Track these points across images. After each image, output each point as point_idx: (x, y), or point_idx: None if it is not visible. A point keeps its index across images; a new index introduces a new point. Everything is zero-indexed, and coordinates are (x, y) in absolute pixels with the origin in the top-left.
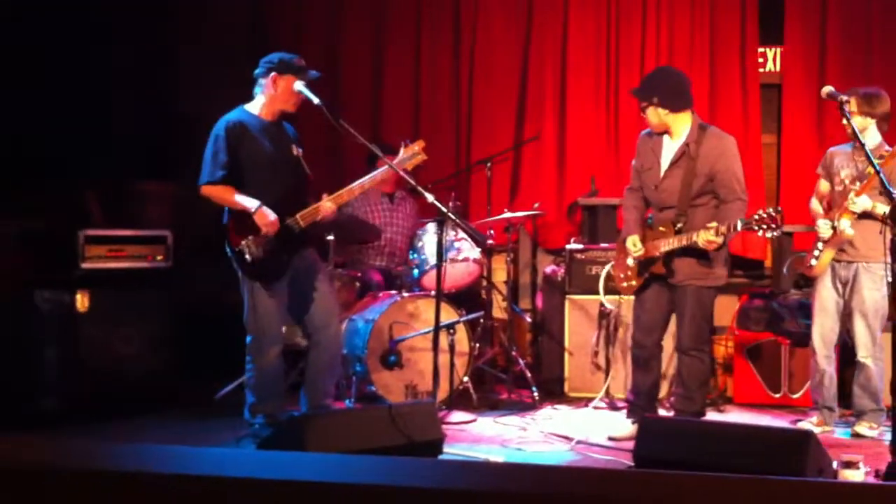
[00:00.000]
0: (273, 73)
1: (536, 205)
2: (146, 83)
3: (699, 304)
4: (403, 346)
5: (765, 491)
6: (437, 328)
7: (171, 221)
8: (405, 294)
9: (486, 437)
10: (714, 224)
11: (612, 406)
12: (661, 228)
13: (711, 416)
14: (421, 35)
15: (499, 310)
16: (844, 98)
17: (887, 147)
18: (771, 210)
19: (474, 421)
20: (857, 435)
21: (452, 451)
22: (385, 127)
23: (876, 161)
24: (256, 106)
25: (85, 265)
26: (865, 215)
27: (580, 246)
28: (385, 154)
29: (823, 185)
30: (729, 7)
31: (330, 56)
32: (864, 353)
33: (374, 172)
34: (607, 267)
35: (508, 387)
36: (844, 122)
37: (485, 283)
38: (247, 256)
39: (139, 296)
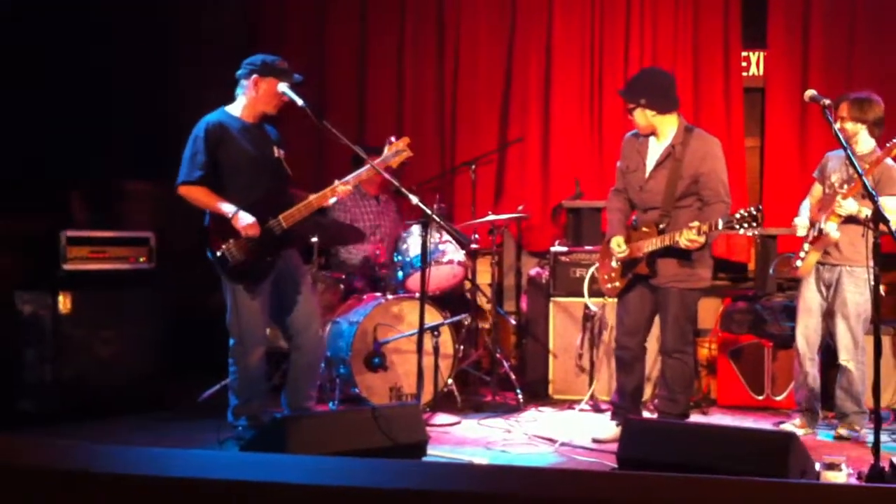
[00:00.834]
0: (255, 75)
1: (521, 207)
2: (129, 83)
3: (682, 306)
4: (388, 348)
5: (748, 492)
6: (422, 330)
7: (155, 223)
8: (389, 296)
9: (470, 439)
10: (696, 223)
11: (597, 408)
12: (644, 229)
13: (695, 418)
14: (404, 37)
15: (483, 312)
16: (827, 102)
17: (879, 153)
18: (752, 209)
19: (458, 423)
20: (839, 437)
21: (436, 452)
22: (369, 129)
23: (866, 166)
24: (238, 107)
25: (67, 266)
26: (851, 219)
27: (564, 248)
28: (369, 155)
29: (817, 190)
30: (712, 11)
31: (314, 59)
32: (846, 356)
33: (359, 171)
34: (592, 269)
35: (493, 389)
36: (836, 124)
37: (469, 285)
38: (228, 260)
39: (122, 298)
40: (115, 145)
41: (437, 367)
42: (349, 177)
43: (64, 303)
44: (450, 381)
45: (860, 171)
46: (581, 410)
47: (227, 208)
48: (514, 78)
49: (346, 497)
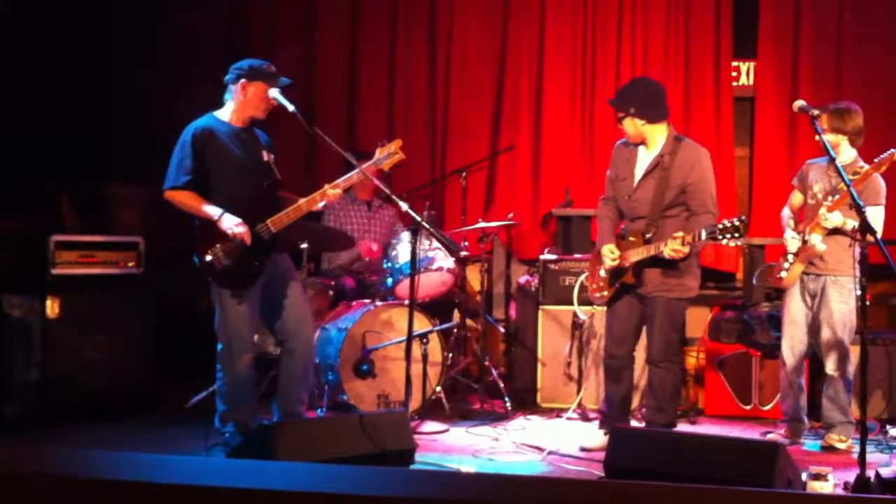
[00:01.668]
0: (243, 80)
1: (511, 215)
2: (118, 87)
3: (669, 315)
4: (376, 355)
5: (734, 502)
6: (411, 337)
7: (144, 227)
8: (379, 303)
9: (458, 447)
10: (680, 234)
11: (585, 417)
12: (631, 238)
13: (683, 427)
14: (396, 42)
15: (472, 320)
16: (816, 112)
17: (861, 163)
18: (735, 219)
19: (446, 431)
20: (826, 447)
21: (424, 460)
22: (360, 134)
23: (849, 177)
24: (226, 112)
25: (55, 271)
26: (836, 230)
27: (554, 256)
28: (360, 160)
29: (797, 198)
30: (703, 21)
31: (304, 63)
32: (832, 366)
33: (349, 174)
34: (581, 277)
35: (481, 397)
36: (817, 136)
37: (459, 292)
38: (216, 265)
39: (110, 302)
40: (103, 149)
41: (425, 374)
42: (339, 180)
43: (52, 307)
44: (438, 388)
45: (847, 181)
46: (569, 419)
47: (213, 211)
48: (505, 86)
49: None
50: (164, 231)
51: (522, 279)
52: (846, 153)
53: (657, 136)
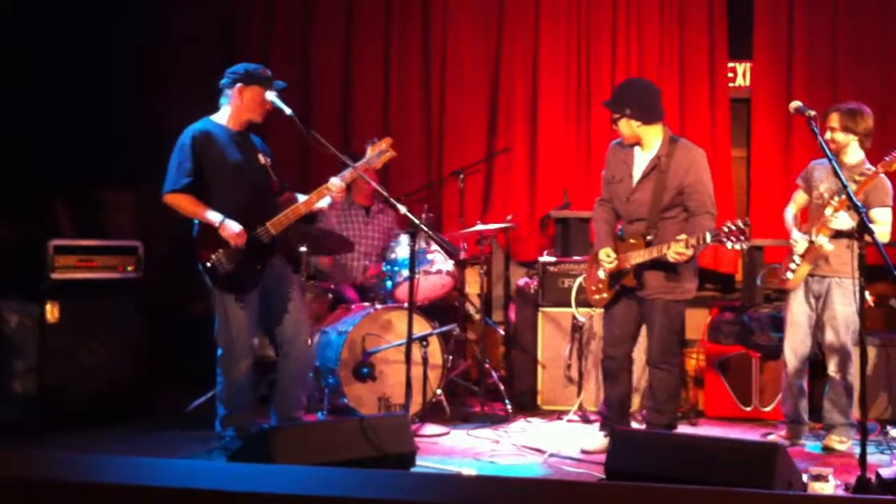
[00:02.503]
0: (239, 84)
1: (509, 217)
2: (114, 92)
3: (668, 317)
4: (376, 358)
5: (734, 503)
6: (410, 340)
7: (142, 232)
8: (378, 306)
9: (458, 450)
10: (684, 236)
11: (585, 419)
12: (631, 241)
13: (683, 428)
14: (391, 46)
15: (472, 322)
16: (812, 113)
17: (868, 165)
18: (739, 222)
19: (447, 434)
20: (827, 448)
21: (425, 463)
22: (356, 138)
23: (857, 178)
24: (223, 116)
25: (54, 276)
26: (843, 233)
27: (553, 259)
28: (354, 162)
29: (801, 197)
30: (698, 22)
31: (300, 67)
32: (834, 368)
33: (343, 172)
34: (579, 279)
35: (481, 400)
36: (827, 136)
37: (458, 295)
38: (218, 270)
39: (109, 307)
40: (101, 153)
41: (425, 377)
42: (342, 173)
43: (51, 312)
44: (438, 391)
45: (844, 181)
46: (569, 421)
47: (214, 217)
48: (501, 88)
49: None
50: (162, 236)
51: (521, 282)
52: (855, 154)
53: (653, 137)
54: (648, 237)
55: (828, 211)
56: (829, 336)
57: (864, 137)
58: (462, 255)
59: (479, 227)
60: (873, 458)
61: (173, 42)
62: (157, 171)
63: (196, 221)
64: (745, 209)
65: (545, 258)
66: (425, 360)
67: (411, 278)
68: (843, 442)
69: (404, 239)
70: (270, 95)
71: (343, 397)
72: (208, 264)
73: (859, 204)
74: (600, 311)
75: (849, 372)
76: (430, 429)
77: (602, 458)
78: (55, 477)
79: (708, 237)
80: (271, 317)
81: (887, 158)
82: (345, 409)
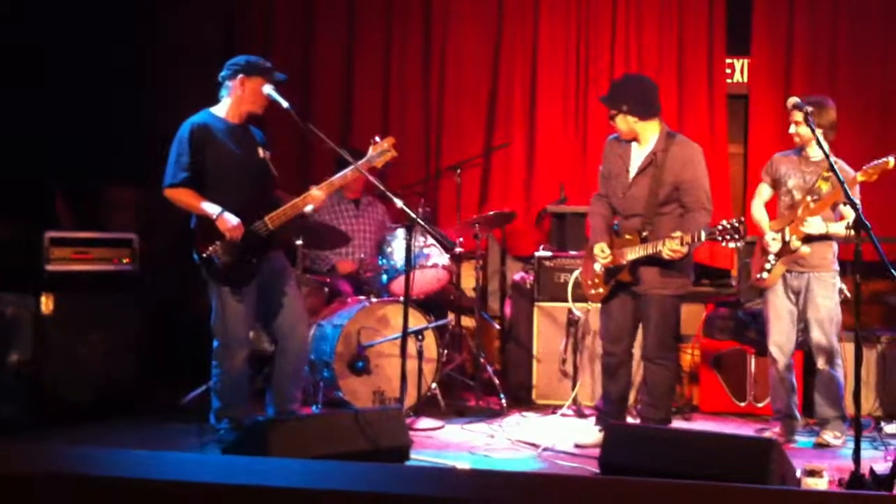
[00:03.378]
0: (240, 75)
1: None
2: (112, 87)
3: (663, 312)
4: (371, 351)
5: (728, 498)
6: (406, 334)
7: (138, 224)
8: (374, 300)
9: (453, 444)
10: (679, 233)
11: (580, 413)
12: (627, 236)
13: (677, 424)
14: (391, 41)
15: (467, 316)
16: (810, 109)
17: (834, 158)
18: (734, 221)
19: (442, 427)
20: (821, 444)
21: (419, 457)
22: (355, 132)
23: (825, 174)
24: (222, 108)
25: (50, 268)
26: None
27: (549, 253)
28: (354, 159)
29: (767, 190)
30: (697, 18)
31: (300, 62)
32: (822, 362)
33: (345, 171)
34: (575, 273)
35: (476, 393)
36: (819, 133)
37: (454, 289)
38: (215, 262)
39: (105, 299)
40: (99, 150)
41: (420, 371)
42: (334, 178)
43: (46, 304)
44: (433, 385)
45: (842, 180)
46: (564, 415)
47: (212, 209)
48: (499, 83)
49: (329, 501)
50: (159, 228)
51: (517, 276)
52: (819, 147)
53: (649, 132)
54: (644, 233)
55: (800, 212)
56: (815, 332)
57: (828, 130)
58: (458, 249)
59: (476, 216)
60: (867, 453)
61: (174, 40)
62: (157, 167)
63: (194, 214)
64: (742, 205)
65: (541, 253)
66: (420, 354)
67: (407, 272)
68: (838, 437)
69: (400, 233)
70: (268, 89)
71: (338, 391)
72: (205, 256)
73: (854, 200)
74: (596, 305)
75: (837, 364)
76: (424, 422)
77: (596, 452)
78: (51, 470)
79: (703, 235)
80: (269, 310)
81: (868, 168)
82: (340, 403)
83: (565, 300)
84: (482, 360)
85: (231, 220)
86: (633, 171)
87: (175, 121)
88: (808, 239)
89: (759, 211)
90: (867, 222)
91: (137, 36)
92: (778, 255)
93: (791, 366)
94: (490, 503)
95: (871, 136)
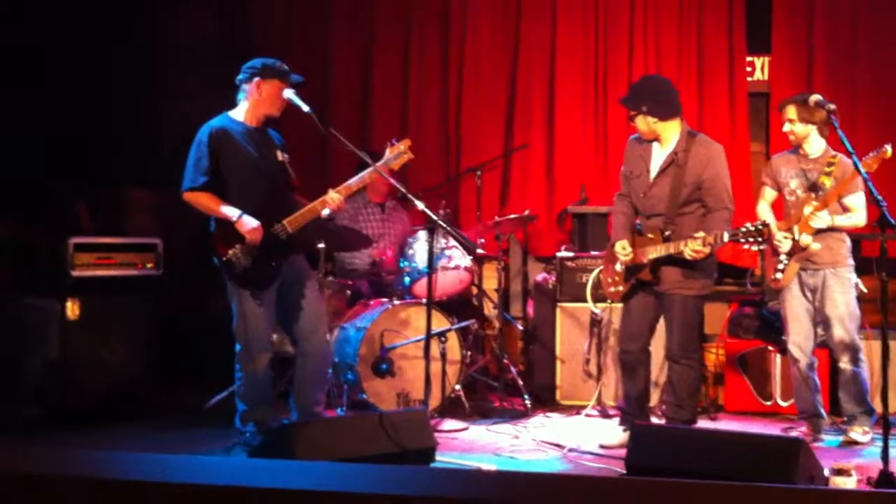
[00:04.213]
0: (257, 79)
1: (527, 211)
2: (136, 88)
3: (686, 312)
4: (395, 353)
5: (756, 499)
6: (429, 336)
7: (161, 229)
8: (396, 302)
9: (478, 445)
10: (701, 234)
11: (604, 414)
12: (649, 235)
13: (703, 423)
14: (410, 43)
15: (490, 318)
16: (832, 107)
17: (832, 152)
18: (758, 224)
19: (466, 429)
20: (849, 441)
21: (444, 459)
22: (374, 135)
23: (827, 169)
24: (241, 112)
25: (74, 273)
26: (827, 228)
27: (570, 254)
28: (372, 161)
29: (770, 193)
30: (717, 16)
31: (319, 65)
32: (845, 358)
33: (361, 174)
34: (595, 272)
35: (500, 395)
36: (785, 128)
37: (476, 290)
38: (234, 265)
39: (129, 304)
40: (120, 153)
41: (444, 372)
42: (351, 181)
43: (72, 309)
44: (457, 386)
45: (865, 175)
46: (588, 416)
47: (232, 212)
48: (518, 84)
49: (354, 503)
50: (181, 233)
51: (539, 277)
52: (816, 144)
53: (670, 132)
54: (666, 232)
55: (807, 210)
56: (836, 328)
57: (822, 126)
58: (480, 251)
59: (498, 219)
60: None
61: (195, 43)
62: (176, 170)
63: (213, 217)
64: None
65: (563, 253)
66: (444, 356)
67: (429, 274)
68: (866, 433)
69: (422, 235)
70: (288, 93)
71: (362, 393)
72: (225, 259)
73: (880, 198)
74: (619, 305)
75: (860, 360)
76: (449, 424)
77: (622, 452)
78: (75, 474)
79: (725, 236)
80: (289, 314)
81: (867, 158)
82: (364, 405)
83: (587, 300)
84: (505, 361)
85: (250, 222)
86: (654, 171)
87: (196, 122)
88: (815, 234)
89: (765, 213)
90: (893, 220)
91: (161, 38)
92: (789, 255)
93: (814, 364)
94: None
95: (891, 132)
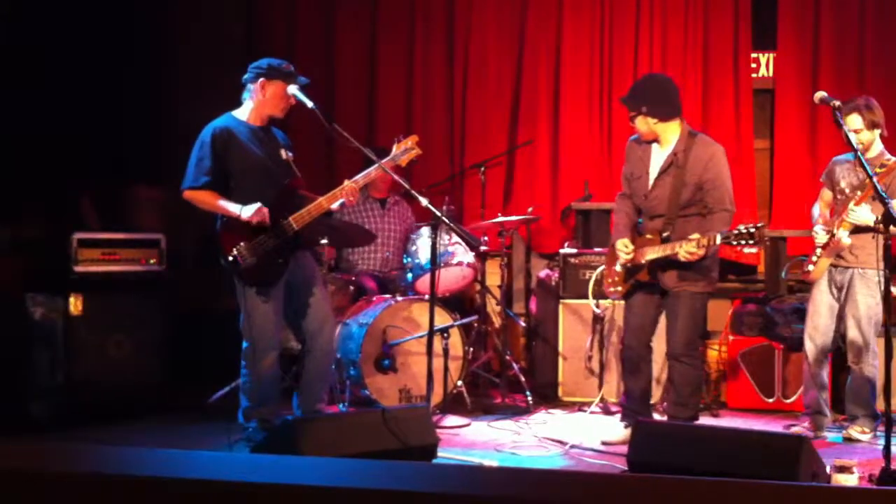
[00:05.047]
0: (261, 79)
1: (531, 209)
2: (140, 85)
3: (692, 310)
4: (398, 350)
5: (758, 496)
6: (432, 332)
7: (165, 225)
8: (399, 298)
9: (480, 442)
10: (696, 236)
11: (606, 410)
12: (648, 236)
13: (705, 420)
14: (414, 40)
15: (493, 314)
16: (837, 103)
17: (888, 155)
18: (751, 226)
19: (468, 425)
20: (849, 439)
21: (446, 455)
22: (379, 131)
23: (878, 169)
24: (245, 111)
25: (78, 269)
26: (865, 227)
27: (574, 250)
28: (378, 156)
29: (827, 195)
30: (722, 12)
31: (324, 62)
32: (856, 360)
33: (368, 170)
34: (599, 269)
35: (502, 391)
36: (846, 129)
37: (479, 287)
38: (240, 263)
39: (133, 300)
40: (124, 150)
41: (446, 369)
42: (358, 175)
43: (75, 305)
44: (459, 383)
45: (870, 171)
46: (591, 413)
47: (233, 207)
48: (523, 80)
49: (357, 499)
50: (186, 230)
51: (542, 273)
52: (878, 146)
53: (670, 133)
54: (665, 233)
55: (850, 205)
56: (851, 327)
57: (883, 128)
58: (483, 247)
59: (501, 218)
60: None
61: (196, 39)
62: (180, 168)
63: (219, 215)
64: (769, 201)
65: (566, 250)
66: (446, 352)
67: (433, 270)
68: (865, 432)
69: (425, 231)
70: (293, 89)
71: (365, 389)
72: (230, 258)
73: (884, 194)
74: (621, 302)
75: (871, 363)
76: (451, 420)
77: (624, 449)
78: (78, 470)
79: (718, 238)
80: (296, 310)
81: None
82: (366, 401)
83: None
84: (508, 357)
85: (251, 208)
86: (654, 172)
87: (201, 120)
88: (853, 232)
89: (816, 210)
90: None
91: (164, 36)
92: (823, 248)
93: (824, 361)
94: (518, 501)
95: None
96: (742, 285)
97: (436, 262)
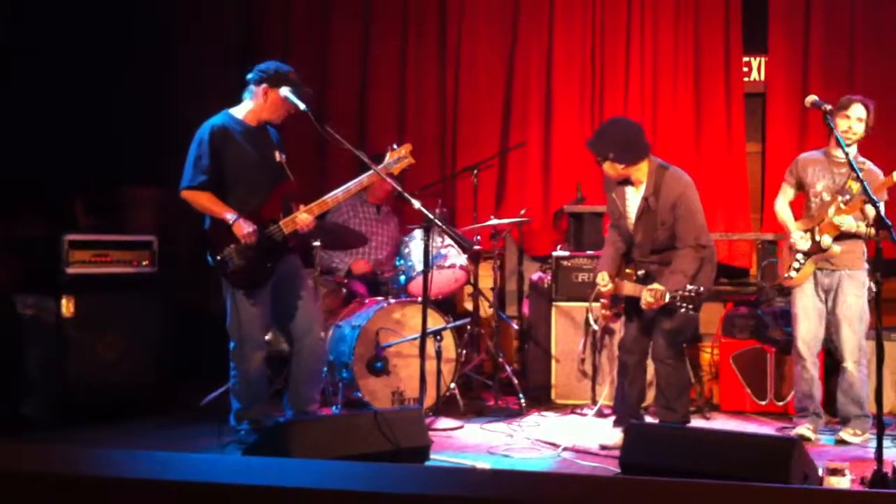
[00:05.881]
0: (265, 85)
1: (523, 211)
2: (135, 85)
3: (685, 322)
4: (390, 352)
5: (750, 498)
6: (424, 334)
7: (157, 226)
8: (392, 300)
9: (472, 444)
10: (655, 286)
11: (599, 413)
12: (626, 271)
13: (697, 423)
14: (407, 42)
15: (485, 317)
16: (828, 107)
17: (862, 158)
18: (696, 289)
19: (461, 427)
20: (841, 441)
21: (439, 457)
22: (371, 133)
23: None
24: (242, 111)
25: (70, 270)
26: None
27: (566, 253)
28: (374, 163)
29: (790, 192)
30: (713, 16)
31: (316, 64)
32: (848, 360)
33: (360, 177)
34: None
35: (495, 393)
36: (844, 126)
37: (471, 289)
38: (228, 265)
39: (124, 301)
40: (116, 151)
41: (439, 371)
42: (351, 183)
43: (67, 306)
44: (452, 385)
45: (866, 185)
46: (583, 415)
47: (229, 216)
48: (515, 82)
49: (348, 502)
50: (178, 231)
51: (535, 276)
52: (855, 146)
53: (640, 173)
54: (640, 272)
55: (831, 211)
56: (844, 329)
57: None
58: (475, 249)
59: (494, 221)
60: (890, 451)
61: (193, 39)
62: (173, 168)
63: (209, 216)
64: (760, 204)
65: (558, 252)
66: (439, 354)
67: (425, 272)
68: (857, 435)
69: (418, 234)
70: (285, 91)
71: (357, 391)
72: (218, 258)
73: (875, 199)
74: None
75: (862, 364)
76: (444, 422)
77: (617, 452)
78: (70, 471)
79: (667, 296)
80: (284, 312)
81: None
82: (359, 403)
83: (583, 300)
84: (500, 360)
85: (246, 226)
86: (631, 216)
87: (195, 119)
88: (837, 238)
89: (784, 210)
90: (888, 221)
91: (159, 35)
92: (807, 254)
93: (816, 364)
94: (510, 503)
95: (889, 132)
96: (734, 288)
97: (428, 264)
